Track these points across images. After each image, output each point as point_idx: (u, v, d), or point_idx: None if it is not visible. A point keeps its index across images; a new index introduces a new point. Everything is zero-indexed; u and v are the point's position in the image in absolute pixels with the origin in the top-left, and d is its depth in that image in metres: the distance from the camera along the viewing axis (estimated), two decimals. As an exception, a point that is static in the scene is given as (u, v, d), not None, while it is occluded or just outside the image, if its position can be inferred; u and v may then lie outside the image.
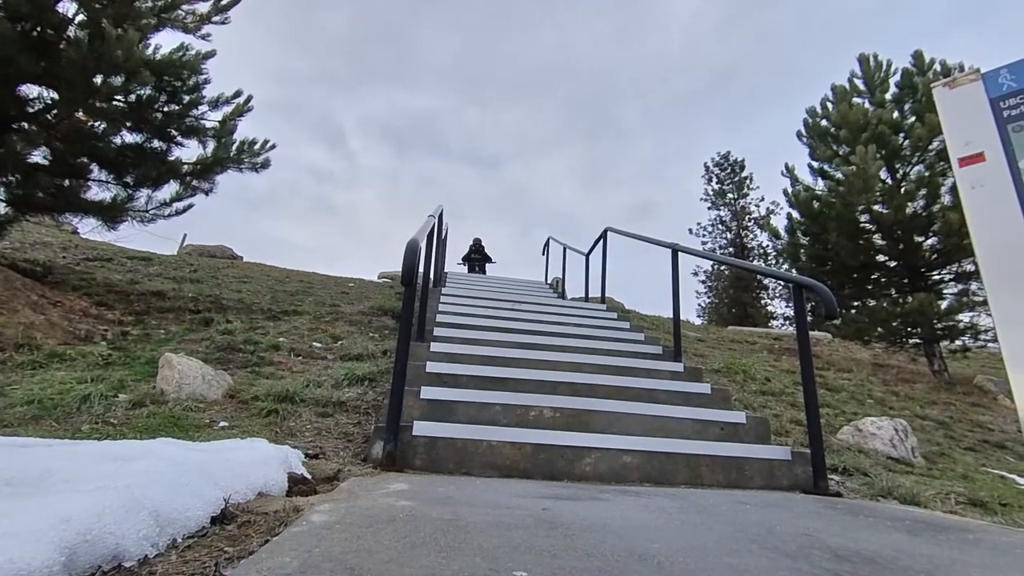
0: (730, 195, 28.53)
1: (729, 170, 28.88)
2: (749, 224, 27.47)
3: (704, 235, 28.01)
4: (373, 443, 2.45)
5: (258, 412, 2.90)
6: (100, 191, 5.56)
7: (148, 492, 1.27)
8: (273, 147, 6.07)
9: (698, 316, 25.99)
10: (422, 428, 2.53)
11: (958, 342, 8.03)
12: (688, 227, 29.02)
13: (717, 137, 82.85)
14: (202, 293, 6.07)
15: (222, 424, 2.70)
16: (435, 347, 3.75)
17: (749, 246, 26.84)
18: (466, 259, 12.93)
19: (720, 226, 28.18)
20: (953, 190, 7.46)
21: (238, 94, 5.89)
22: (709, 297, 27.31)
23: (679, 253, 4.56)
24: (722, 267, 26.23)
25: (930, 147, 8.06)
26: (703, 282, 27.34)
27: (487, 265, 13.10)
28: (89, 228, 5.93)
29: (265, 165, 6.05)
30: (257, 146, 5.95)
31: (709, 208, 28.70)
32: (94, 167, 5.47)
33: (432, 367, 3.30)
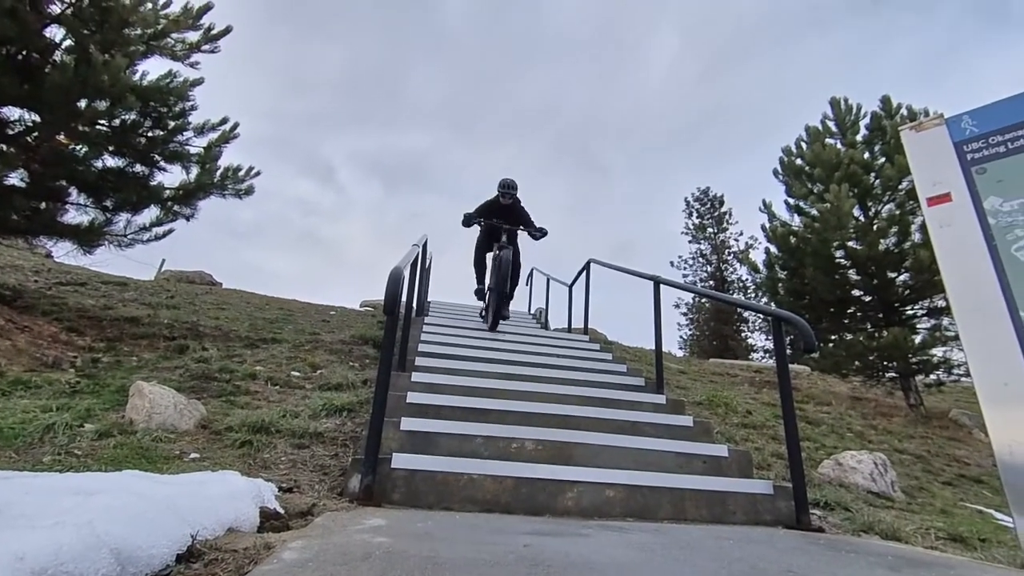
0: (710, 229, 29.19)
1: (709, 205, 29.62)
2: (729, 258, 28.05)
3: (685, 268, 28.52)
4: (350, 476, 2.38)
5: (231, 443, 2.81)
6: (77, 214, 5.47)
7: (110, 528, 1.21)
8: (258, 174, 6.07)
9: (680, 348, 26.15)
10: (401, 460, 2.47)
11: (932, 376, 8.17)
12: (668, 263, 29.47)
13: (696, 176, 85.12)
14: (178, 320, 5.94)
15: (193, 456, 2.60)
16: (416, 377, 3.69)
17: (729, 279, 27.33)
18: (482, 215, 5.93)
19: (700, 259, 28.74)
20: (923, 228, 7.74)
21: (224, 121, 5.91)
22: (691, 329, 27.58)
23: (661, 285, 4.60)
24: (703, 300, 26.58)
25: (900, 187, 8.38)
26: (685, 314, 27.66)
27: (524, 245, 6.03)
28: (64, 252, 5.81)
29: (249, 192, 6.02)
30: (241, 173, 5.95)
31: (690, 242, 29.33)
32: (72, 190, 5.39)
33: (413, 397, 3.24)
